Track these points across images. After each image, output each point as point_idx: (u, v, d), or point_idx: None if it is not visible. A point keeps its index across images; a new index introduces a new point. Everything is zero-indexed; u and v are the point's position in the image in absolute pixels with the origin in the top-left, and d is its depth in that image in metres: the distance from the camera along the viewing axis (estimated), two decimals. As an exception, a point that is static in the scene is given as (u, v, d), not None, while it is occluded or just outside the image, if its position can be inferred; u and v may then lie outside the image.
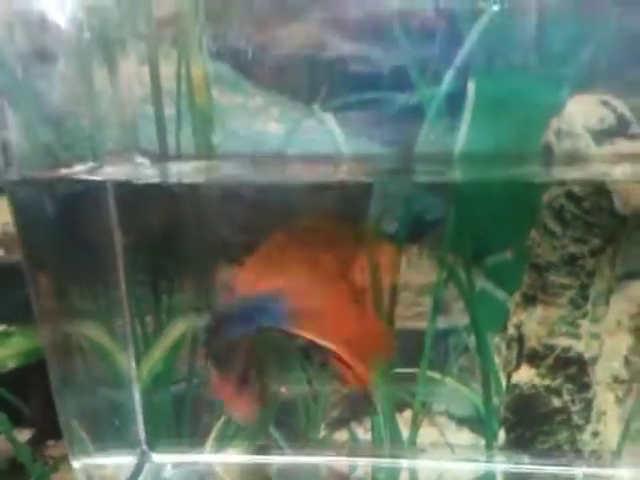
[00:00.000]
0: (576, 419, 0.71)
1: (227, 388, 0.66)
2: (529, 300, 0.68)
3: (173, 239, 0.70)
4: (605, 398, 0.70)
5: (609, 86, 0.62)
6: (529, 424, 0.71)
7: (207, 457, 0.74)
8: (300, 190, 0.67)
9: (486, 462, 0.73)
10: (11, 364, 0.81)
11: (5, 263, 0.83)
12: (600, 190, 0.64)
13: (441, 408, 0.73)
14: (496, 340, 0.70)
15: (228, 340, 0.65)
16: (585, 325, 0.68)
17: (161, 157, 0.67)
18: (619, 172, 0.64)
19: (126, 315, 0.71)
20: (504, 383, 0.71)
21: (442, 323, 0.70)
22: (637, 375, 0.69)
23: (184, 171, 0.69)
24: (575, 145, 0.63)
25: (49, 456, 0.82)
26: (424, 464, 0.73)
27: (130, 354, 0.71)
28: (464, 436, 0.73)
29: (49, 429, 0.78)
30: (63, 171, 0.62)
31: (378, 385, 0.70)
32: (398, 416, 0.73)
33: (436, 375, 0.72)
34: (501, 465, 0.73)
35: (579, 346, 0.68)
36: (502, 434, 0.72)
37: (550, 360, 0.69)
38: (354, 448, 0.74)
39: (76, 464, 0.69)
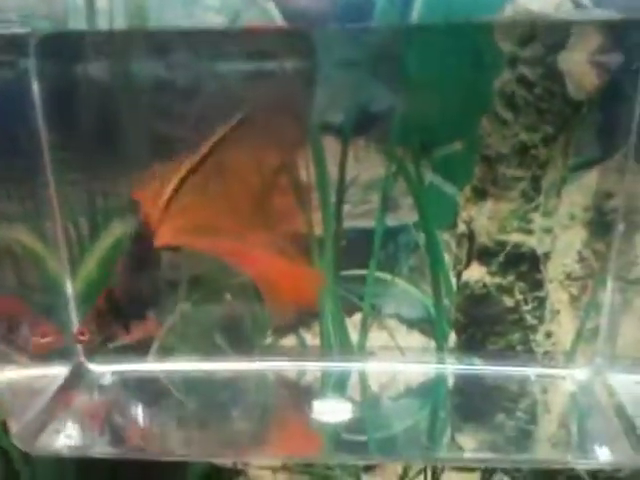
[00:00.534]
0: (529, 319, 0.69)
1: None
2: (479, 194, 0.65)
3: (106, 134, 0.65)
4: (559, 297, 0.69)
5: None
6: (480, 325, 0.69)
7: (150, 365, 0.72)
8: (239, 78, 0.63)
9: (437, 364, 0.72)
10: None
11: None
12: (553, 74, 0.61)
13: (391, 310, 0.71)
14: (446, 237, 0.68)
15: None
16: (537, 219, 0.66)
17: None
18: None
19: (57, 218, 0.67)
20: (454, 283, 0.69)
21: (391, 221, 0.67)
22: (591, 272, 0.67)
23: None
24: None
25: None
26: (374, 367, 0.72)
27: (63, 258, 0.68)
28: (414, 338, 0.71)
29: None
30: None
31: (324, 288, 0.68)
32: (347, 320, 0.71)
33: (386, 276, 0.69)
34: (452, 367, 0.71)
35: (531, 242, 0.66)
36: (453, 336, 0.70)
37: (501, 257, 0.67)
38: (303, 353, 0.72)
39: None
